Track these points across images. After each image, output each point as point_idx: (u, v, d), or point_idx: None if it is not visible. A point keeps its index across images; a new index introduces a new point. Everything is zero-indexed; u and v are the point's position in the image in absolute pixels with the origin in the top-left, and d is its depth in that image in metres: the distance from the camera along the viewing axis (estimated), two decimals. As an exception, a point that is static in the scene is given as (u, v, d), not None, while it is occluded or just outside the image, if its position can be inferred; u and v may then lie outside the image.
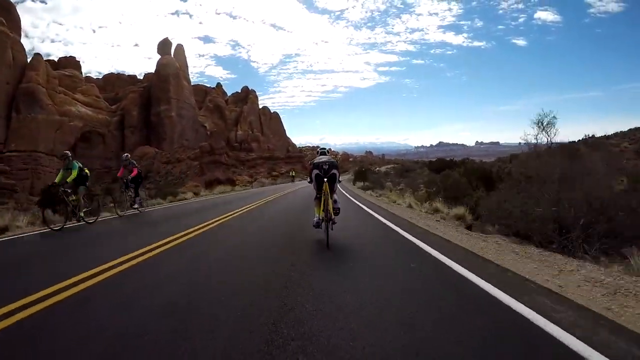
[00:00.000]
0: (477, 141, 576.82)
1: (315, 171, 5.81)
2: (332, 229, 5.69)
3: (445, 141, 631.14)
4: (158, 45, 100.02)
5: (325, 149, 6.59)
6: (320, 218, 5.71)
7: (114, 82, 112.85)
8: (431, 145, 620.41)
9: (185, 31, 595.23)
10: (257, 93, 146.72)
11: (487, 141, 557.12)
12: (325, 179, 5.69)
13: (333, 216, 5.72)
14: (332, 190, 5.84)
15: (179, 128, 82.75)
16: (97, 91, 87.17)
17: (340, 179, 6.17)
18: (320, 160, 5.87)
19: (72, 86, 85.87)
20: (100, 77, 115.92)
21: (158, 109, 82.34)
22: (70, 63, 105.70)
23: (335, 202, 5.90)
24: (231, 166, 54.75)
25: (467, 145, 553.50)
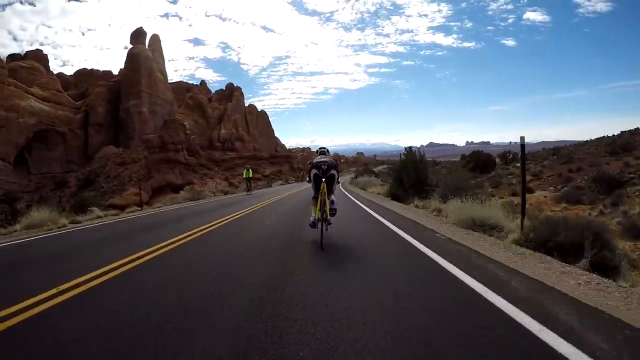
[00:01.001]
0: (467, 141, 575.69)
1: (314, 171, 5.82)
2: (327, 229, 5.71)
3: (435, 141, 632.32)
4: (131, 35, 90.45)
5: (325, 148, 6.40)
6: (317, 218, 5.67)
7: (87, 78, 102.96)
8: (422, 146, 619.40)
9: (175, 33, 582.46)
10: (247, 96, 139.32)
11: (477, 141, 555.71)
12: (324, 179, 5.68)
13: (329, 217, 5.74)
14: (330, 190, 5.84)
15: (151, 125, 73.26)
16: (58, 85, 77.21)
17: (339, 180, 6.36)
18: (320, 160, 5.85)
19: (30, 79, 75.80)
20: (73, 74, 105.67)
21: (127, 104, 72.78)
22: (36, 56, 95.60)
23: (332, 202, 5.86)
24: (201, 167, 45.53)
25: (458, 145, 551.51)
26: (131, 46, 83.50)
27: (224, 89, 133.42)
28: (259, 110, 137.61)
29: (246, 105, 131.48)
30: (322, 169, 5.69)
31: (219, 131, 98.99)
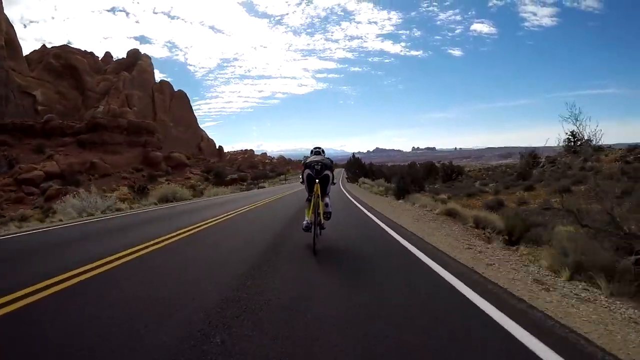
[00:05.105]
0: (413, 147, 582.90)
1: (307, 171, 5.59)
2: (320, 234, 5.63)
3: (381, 147, 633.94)
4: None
5: (320, 148, 6.08)
6: (310, 221, 5.48)
7: None
8: (368, 151, 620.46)
9: (121, 30, 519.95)
10: (193, 98, 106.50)
11: (423, 147, 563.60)
12: (317, 180, 5.41)
13: (323, 220, 5.53)
14: (324, 192, 5.60)
15: None
16: None
17: (334, 181, 5.91)
18: (313, 160, 5.61)
19: None
20: None
21: None
22: None
23: (326, 205, 5.70)
24: None
25: (404, 150, 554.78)
26: None
27: (126, 57, 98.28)
28: (176, 90, 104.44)
29: (156, 80, 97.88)
30: (315, 169, 5.46)
31: (95, 109, 65.72)
